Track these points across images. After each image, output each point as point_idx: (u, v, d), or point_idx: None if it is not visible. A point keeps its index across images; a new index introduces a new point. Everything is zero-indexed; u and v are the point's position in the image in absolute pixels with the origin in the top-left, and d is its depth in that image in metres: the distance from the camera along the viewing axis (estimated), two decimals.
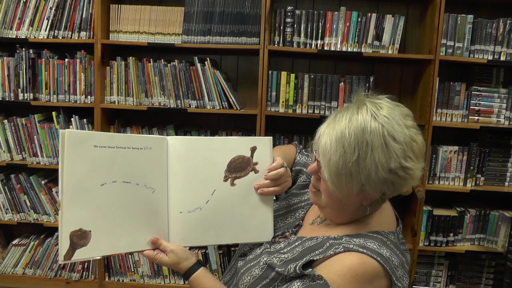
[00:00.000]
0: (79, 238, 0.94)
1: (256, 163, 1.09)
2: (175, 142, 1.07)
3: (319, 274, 0.88)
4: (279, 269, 0.94)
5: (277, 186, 1.09)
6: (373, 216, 1.00)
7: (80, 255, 0.94)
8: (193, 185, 1.07)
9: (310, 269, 0.90)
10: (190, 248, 1.09)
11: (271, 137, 1.11)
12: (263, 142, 1.09)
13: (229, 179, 1.08)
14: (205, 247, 2.45)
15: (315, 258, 0.92)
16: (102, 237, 0.97)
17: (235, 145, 1.08)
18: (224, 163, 1.08)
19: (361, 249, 0.89)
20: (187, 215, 1.06)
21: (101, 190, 0.97)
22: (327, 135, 0.90)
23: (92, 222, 0.95)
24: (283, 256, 0.97)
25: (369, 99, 0.92)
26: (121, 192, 0.99)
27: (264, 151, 1.09)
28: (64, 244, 0.92)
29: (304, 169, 1.25)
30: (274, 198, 1.15)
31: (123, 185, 1.00)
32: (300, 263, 0.91)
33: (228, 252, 2.49)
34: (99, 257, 0.99)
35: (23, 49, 2.38)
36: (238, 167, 1.08)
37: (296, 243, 1.01)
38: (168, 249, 1.03)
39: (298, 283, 0.90)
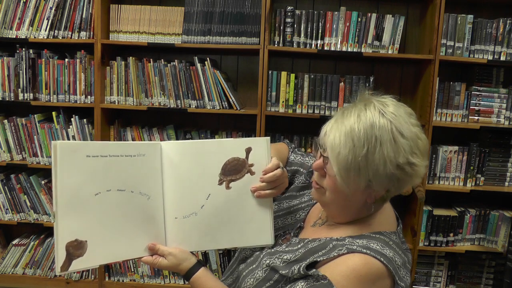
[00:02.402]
0: (75, 248, 0.93)
1: (251, 165, 1.06)
2: (168, 147, 1.06)
3: (323, 274, 0.88)
4: (282, 271, 0.94)
5: (274, 188, 1.06)
6: (374, 216, 1.00)
7: (77, 265, 0.94)
8: (187, 190, 1.05)
9: (314, 270, 0.90)
10: None
11: (268, 138, 1.08)
12: (259, 143, 1.06)
13: (224, 182, 1.05)
14: None
15: (318, 259, 0.92)
16: (99, 247, 0.96)
17: (230, 147, 1.06)
18: (218, 166, 1.05)
19: (364, 250, 0.89)
20: (182, 221, 1.05)
21: (96, 199, 0.96)
22: (335, 130, 0.91)
23: (88, 232, 0.95)
24: (285, 257, 0.97)
25: (375, 98, 0.94)
26: (116, 201, 0.99)
27: (261, 152, 1.06)
28: (60, 255, 0.92)
29: (301, 169, 1.24)
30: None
31: (118, 193, 0.99)
32: (304, 264, 0.91)
33: (228, 252, 2.49)
34: (96, 267, 0.99)
35: (23, 49, 2.38)
36: (233, 170, 1.05)
37: (299, 245, 1.00)
38: (166, 252, 1.02)
39: (302, 283, 0.90)
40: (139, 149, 1.03)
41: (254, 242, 1.07)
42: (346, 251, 0.90)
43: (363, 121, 0.88)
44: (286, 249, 1.02)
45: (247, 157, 1.06)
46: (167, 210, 1.05)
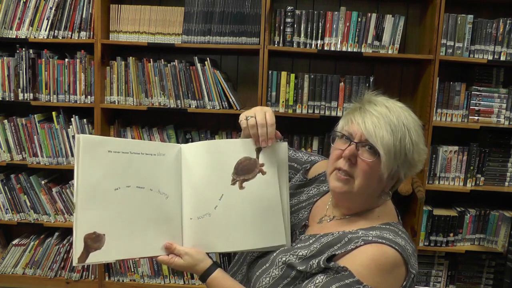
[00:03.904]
0: (93, 241, 0.94)
1: (262, 164, 1.06)
2: (187, 149, 1.07)
3: (344, 265, 0.90)
4: (300, 267, 0.95)
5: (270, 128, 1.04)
6: (381, 209, 1.04)
7: (94, 258, 0.94)
8: (201, 190, 1.05)
9: (333, 263, 0.92)
10: None
11: (285, 141, 1.08)
12: None
13: (237, 182, 1.05)
14: None
15: (336, 253, 0.93)
16: (116, 241, 0.97)
17: (241, 146, 1.06)
18: (231, 166, 1.05)
19: (380, 240, 0.91)
20: (196, 222, 1.05)
21: (115, 194, 0.97)
22: (370, 117, 0.96)
23: (106, 226, 0.96)
24: (300, 253, 0.98)
25: (381, 97, 1.02)
26: (135, 197, 1.00)
27: (270, 151, 1.06)
28: (78, 246, 0.92)
29: (295, 165, 1.25)
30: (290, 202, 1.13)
31: (137, 190, 1.00)
32: (323, 258, 0.93)
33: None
34: (112, 261, 1.00)
35: (23, 49, 2.38)
36: (246, 169, 1.05)
37: (311, 241, 1.01)
38: (183, 252, 1.02)
39: (322, 277, 0.91)
40: (159, 148, 1.04)
41: (269, 243, 1.05)
42: (363, 242, 0.92)
43: (393, 111, 0.96)
44: (298, 245, 1.02)
45: (257, 156, 1.06)
46: (184, 211, 1.05)
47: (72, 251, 2.48)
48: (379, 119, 0.95)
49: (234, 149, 1.06)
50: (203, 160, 1.06)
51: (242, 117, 1.06)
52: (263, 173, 1.06)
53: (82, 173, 0.94)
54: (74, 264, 0.93)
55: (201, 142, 1.15)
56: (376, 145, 0.94)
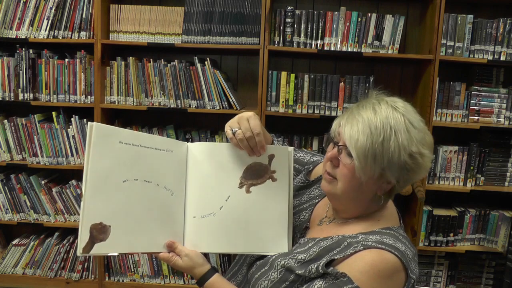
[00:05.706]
0: (99, 232, 0.93)
1: (273, 171, 1.06)
2: (194, 148, 1.07)
3: (342, 271, 0.89)
4: (299, 271, 0.94)
5: (257, 137, 1.04)
6: (381, 212, 1.02)
7: (98, 249, 0.93)
8: (207, 190, 1.06)
9: (332, 268, 0.91)
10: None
11: (292, 148, 1.09)
12: (282, 151, 1.07)
13: (245, 186, 1.06)
14: None
15: (334, 258, 0.93)
16: (121, 234, 0.96)
17: None
18: (240, 169, 1.06)
19: (380, 245, 0.91)
20: (199, 220, 1.05)
21: (123, 186, 0.97)
22: (352, 120, 0.95)
23: (112, 218, 0.95)
24: (299, 257, 0.97)
25: (384, 96, 1.00)
26: (142, 191, 1.00)
27: (283, 159, 1.07)
28: (83, 236, 0.92)
29: (297, 166, 1.25)
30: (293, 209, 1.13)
31: (144, 184, 1.00)
32: (322, 263, 0.92)
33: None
34: (116, 254, 0.99)
35: (23, 49, 2.38)
36: (255, 174, 1.06)
37: (310, 244, 1.01)
38: (183, 253, 1.02)
39: (320, 282, 0.90)
40: (168, 144, 1.04)
41: (271, 249, 1.05)
42: (362, 247, 0.91)
43: (378, 113, 0.94)
44: (298, 249, 1.02)
45: (269, 163, 1.06)
46: (187, 209, 1.06)
47: (72, 251, 2.52)
48: (358, 123, 0.93)
49: (246, 153, 1.06)
50: (212, 161, 1.06)
51: (227, 129, 1.06)
52: (274, 180, 1.07)
53: (92, 162, 0.93)
54: (78, 254, 0.92)
55: (211, 142, 1.16)
56: (350, 148, 0.93)
